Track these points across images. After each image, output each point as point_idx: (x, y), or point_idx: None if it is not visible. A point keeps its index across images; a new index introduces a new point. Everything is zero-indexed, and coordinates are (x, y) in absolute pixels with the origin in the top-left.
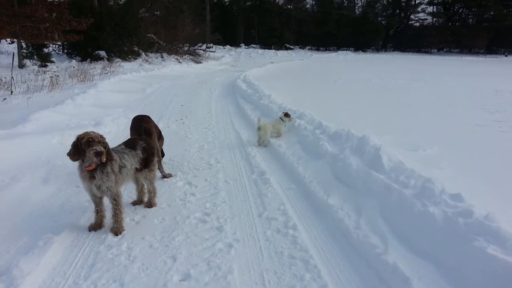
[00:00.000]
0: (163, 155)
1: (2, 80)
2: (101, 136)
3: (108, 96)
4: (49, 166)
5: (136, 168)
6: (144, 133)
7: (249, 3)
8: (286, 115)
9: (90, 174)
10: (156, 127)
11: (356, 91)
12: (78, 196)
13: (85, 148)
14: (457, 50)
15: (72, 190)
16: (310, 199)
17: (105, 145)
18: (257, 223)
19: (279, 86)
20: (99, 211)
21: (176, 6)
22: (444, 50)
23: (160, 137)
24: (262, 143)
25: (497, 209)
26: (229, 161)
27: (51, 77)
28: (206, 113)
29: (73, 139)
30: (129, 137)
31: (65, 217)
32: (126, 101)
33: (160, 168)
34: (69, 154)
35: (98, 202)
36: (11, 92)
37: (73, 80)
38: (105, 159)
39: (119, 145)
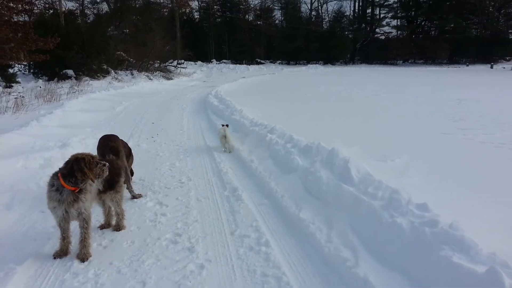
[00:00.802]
0: (132, 174)
1: None
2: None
3: (76, 116)
4: (12, 191)
5: (99, 189)
6: (111, 152)
7: (219, 20)
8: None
9: (73, 197)
10: (125, 145)
11: (326, 104)
12: (44, 222)
13: (92, 167)
14: (422, 61)
15: (36, 216)
16: (282, 214)
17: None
18: (229, 241)
19: (250, 101)
20: (65, 237)
21: (146, 23)
22: (409, 61)
23: (130, 155)
24: (228, 149)
25: (462, 217)
26: (201, 178)
27: (15, 98)
28: (177, 130)
29: (36, 162)
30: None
31: (29, 244)
32: (94, 120)
33: (129, 188)
34: (83, 173)
35: (66, 228)
36: None
37: (39, 101)
38: (106, 174)
39: None
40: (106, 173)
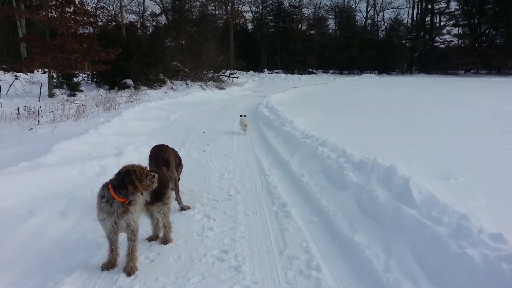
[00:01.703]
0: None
1: (31, 109)
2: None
3: (132, 124)
4: (68, 198)
5: (146, 201)
6: (162, 163)
7: (272, 30)
8: (245, 116)
9: (123, 208)
10: (176, 155)
11: (381, 115)
12: (95, 231)
13: (143, 179)
14: (485, 71)
15: (89, 224)
16: (335, 234)
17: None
18: (277, 262)
19: (301, 111)
20: (114, 249)
21: (201, 34)
22: (472, 71)
23: (180, 164)
24: (245, 131)
25: None
26: (250, 191)
27: (78, 106)
28: (227, 140)
29: (93, 169)
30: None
31: (79, 254)
32: (149, 128)
33: (178, 199)
34: (134, 185)
35: (115, 240)
36: (38, 121)
37: (99, 109)
38: (156, 185)
39: None
40: (156, 184)
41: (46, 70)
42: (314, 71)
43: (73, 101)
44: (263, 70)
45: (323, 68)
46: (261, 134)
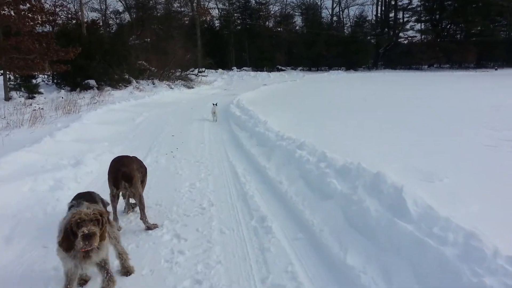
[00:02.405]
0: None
1: None
2: (95, 213)
3: (94, 129)
4: (15, 220)
5: None
6: (123, 178)
7: (240, 27)
8: (216, 104)
9: (85, 254)
10: (141, 165)
11: (353, 113)
12: (44, 260)
13: (77, 231)
14: (448, 65)
15: (38, 253)
16: (323, 255)
17: (100, 222)
18: None
19: (273, 110)
20: None
21: (167, 32)
22: (435, 66)
23: (145, 176)
24: (215, 119)
25: None
26: (224, 202)
27: (34, 110)
28: (198, 143)
29: (46, 184)
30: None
31: None
32: (113, 133)
33: (143, 218)
34: (60, 244)
35: (74, 279)
36: None
37: (57, 113)
38: (97, 243)
39: (74, 199)
40: (84, 245)
41: (1, 72)
42: (283, 68)
43: (31, 104)
44: (232, 68)
45: (292, 65)
46: (234, 135)
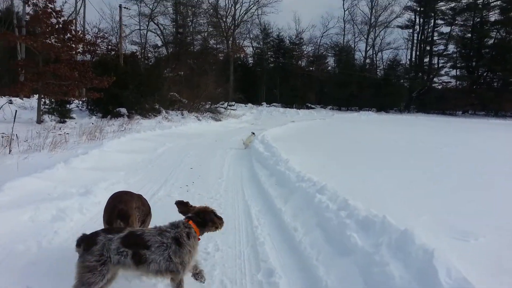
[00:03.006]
0: None
1: (8, 136)
2: None
3: (113, 157)
4: (4, 253)
5: None
6: (119, 217)
7: (272, 65)
8: (253, 134)
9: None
10: (144, 203)
11: (381, 155)
12: None
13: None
14: (483, 112)
15: None
16: None
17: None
18: None
19: (298, 148)
20: None
21: (201, 67)
22: (469, 112)
23: (148, 214)
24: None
25: None
26: (232, 248)
27: (59, 134)
28: (216, 178)
29: (48, 213)
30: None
31: None
32: (132, 162)
33: None
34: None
35: None
36: (10, 150)
37: (81, 138)
38: None
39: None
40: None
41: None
42: (313, 106)
43: (60, 128)
44: (262, 103)
45: (322, 104)
46: (253, 173)
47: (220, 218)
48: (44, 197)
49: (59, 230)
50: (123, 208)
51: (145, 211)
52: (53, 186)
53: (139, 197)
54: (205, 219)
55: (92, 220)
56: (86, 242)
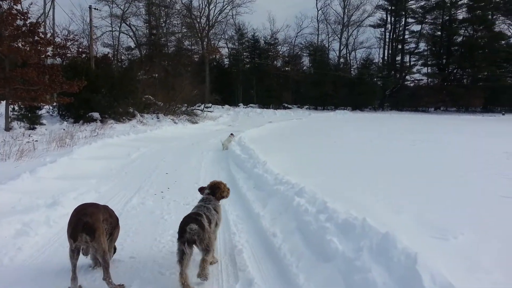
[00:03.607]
0: (114, 251)
1: None
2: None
3: (83, 164)
4: None
5: None
6: (84, 230)
7: (248, 66)
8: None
9: None
10: (112, 216)
11: (359, 155)
12: None
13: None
14: (454, 109)
15: None
16: None
17: None
18: None
19: (276, 149)
20: None
21: (175, 68)
22: (441, 109)
23: (117, 226)
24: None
25: None
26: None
27: (27, 142)
28: (192, 183)
29: (11, 228)
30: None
31: None
32: (104, 169)
33: (107, 278)
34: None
35: None
36: None
37: (50, 146)
38: None
39: None
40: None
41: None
42: (289, 106)
43: (29, 135)
44: (239, 104)
45: (298, 104)
46: (231, 176)
47: (227, 190)
48: (7, 210)
49: (23, 246)
50: (89, 221)
51: (113, 223)
52: (17, 198)
53: (106, 208)
54: (214, 192)
55: (60, 233)
56: None
